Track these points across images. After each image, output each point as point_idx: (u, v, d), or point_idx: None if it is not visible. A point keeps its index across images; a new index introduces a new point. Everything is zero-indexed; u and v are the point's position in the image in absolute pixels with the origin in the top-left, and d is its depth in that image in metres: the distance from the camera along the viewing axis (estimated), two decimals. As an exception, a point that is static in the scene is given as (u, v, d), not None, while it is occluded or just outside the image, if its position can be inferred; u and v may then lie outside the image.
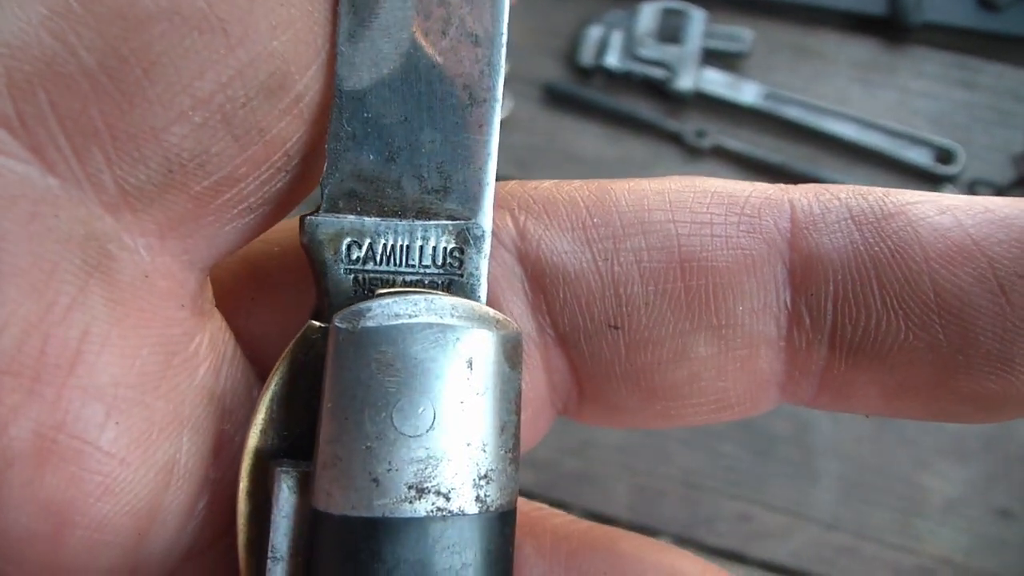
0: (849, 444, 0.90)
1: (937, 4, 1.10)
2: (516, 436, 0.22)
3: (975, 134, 1.06)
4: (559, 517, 0.25)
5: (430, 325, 0.21)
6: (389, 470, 0.21)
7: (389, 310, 0.21)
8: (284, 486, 0.21)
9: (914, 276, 0.21)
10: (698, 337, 0.22)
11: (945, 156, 1.04)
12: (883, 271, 0.21)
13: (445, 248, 0.23)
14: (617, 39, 1.11)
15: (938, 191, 0.99)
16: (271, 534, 0.21)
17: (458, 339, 0.21)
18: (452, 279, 0.23)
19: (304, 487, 0.21)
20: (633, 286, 0.22)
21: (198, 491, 0.22)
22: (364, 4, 0.20)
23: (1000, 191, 0.99)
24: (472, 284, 0.23)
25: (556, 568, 0.24)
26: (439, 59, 0.21)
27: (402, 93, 0.21)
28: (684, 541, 0.86)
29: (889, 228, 0.21)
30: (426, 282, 0.23)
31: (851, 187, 0.23)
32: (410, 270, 0.23)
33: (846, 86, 1.10)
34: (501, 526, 0.22)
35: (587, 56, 1.10)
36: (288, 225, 0.23)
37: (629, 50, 1.10)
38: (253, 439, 0.22)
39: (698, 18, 1.11)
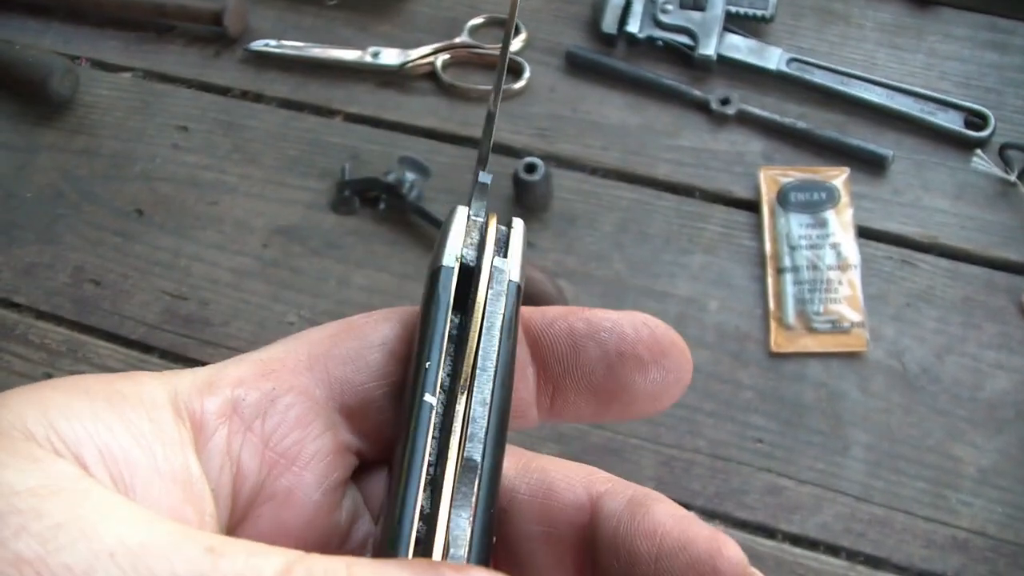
0: (879, 414, 0.89)
1: (967, -37, 1.07)
2: None
3: (1007, 97, 1.03)
4: None
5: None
6: None
7: None
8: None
9: (633, 554, 0.31)
10: (533, 528, 0.34)
11: (976, 120, 1.01)
12: (618, 548, 0.32)
13: None
14: (639, 5, 1.09)
15: (969, 156, 0.98)
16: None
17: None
18: None
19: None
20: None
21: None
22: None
23: (1033, 154, 0.97)
24: None
25: None
26: None
27: None
28: (713, 514, 0.86)
29: (635, 522, 0.32)
30: None
31: (660, 507, 0.32)
32: None
33: (873, 50, 1.08)
34: None
35: (609, 23, 1.09)
36: None
37: (652, 16, 1.08)
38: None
39: (721, -18, 1.09)
